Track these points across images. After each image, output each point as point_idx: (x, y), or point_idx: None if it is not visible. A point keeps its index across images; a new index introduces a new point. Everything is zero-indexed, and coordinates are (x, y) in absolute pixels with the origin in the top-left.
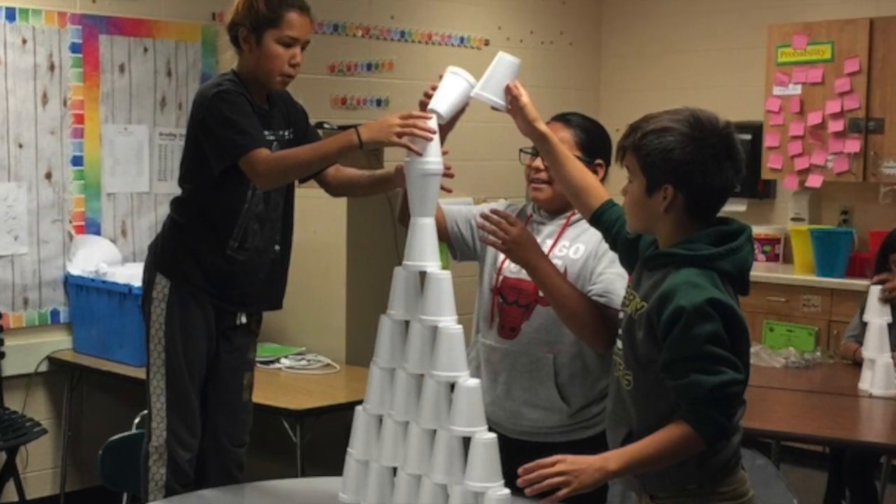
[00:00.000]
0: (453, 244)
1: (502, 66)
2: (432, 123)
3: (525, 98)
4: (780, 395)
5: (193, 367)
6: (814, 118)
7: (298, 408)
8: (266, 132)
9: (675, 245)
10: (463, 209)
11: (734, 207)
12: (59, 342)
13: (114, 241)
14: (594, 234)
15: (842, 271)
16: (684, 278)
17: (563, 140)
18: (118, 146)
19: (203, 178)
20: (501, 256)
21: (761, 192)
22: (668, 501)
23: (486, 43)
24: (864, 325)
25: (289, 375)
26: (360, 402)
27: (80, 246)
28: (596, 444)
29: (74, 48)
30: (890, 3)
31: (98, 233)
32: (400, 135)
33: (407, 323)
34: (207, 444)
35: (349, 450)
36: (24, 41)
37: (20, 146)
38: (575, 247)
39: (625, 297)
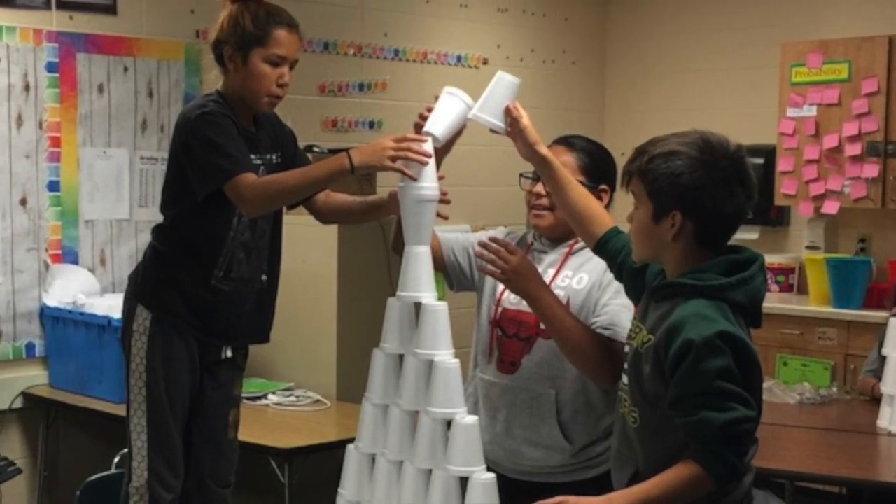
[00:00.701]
0: (450, 274)
1: (501, 86)
2: (428, 147)
3: (525, 120)
4: (794, 432)
5: (176, 404)
6: (830, 141)
7: (287, 446)
8: (252, 156)
9: (684, 275)
10: (460, 237)
11: (746, 235)
12: (34, 377)
13: (92, 270)
14: (598, 264)
15: (859, 302)
16: (693, 310)
17: (566, 164)
18: (97, 170)
19: (186, 204)
20: (501, 287)
21: (774, 219)
22: None
23: (485, 62)
24: (882, 359)
25: (276, 412)
26: (351, 441)
27: (57, 276)
28: (600, 485)
29: (51, 67)
30: None
31: (76, 262)
32: (394, 158)
33: (401, 357)
34: (191, 484)
35: (340, 491)
36: None
37: None
38: (578, 276)
39: (631, 330)
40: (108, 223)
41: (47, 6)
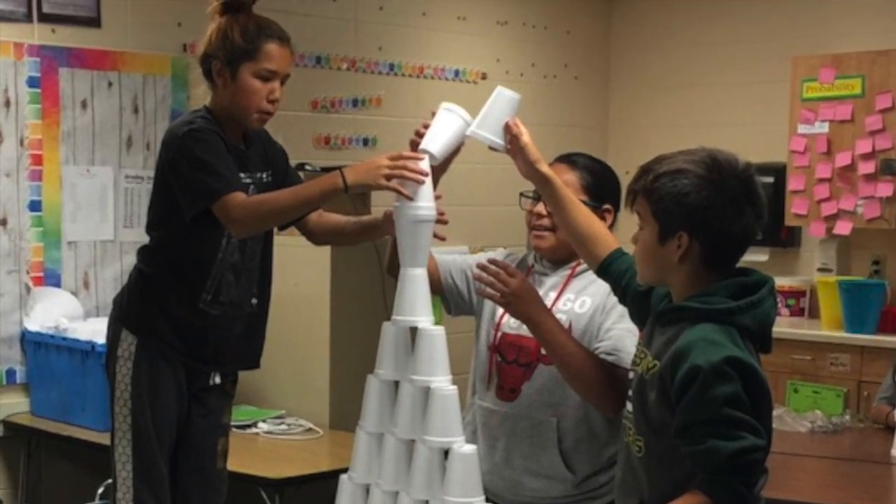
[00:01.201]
0: (447, 297)
1: (501, 101)
2: (424, 165)
3: (526, 137)
4: (805, 462)
5: (163, 432)
6: (842, 159)
7: (278, 476)
8: (242, 174)
9: (691, 298)
10: (458, 259)
11: (755, 257)
12: (15, 405)
13: (75, 293)
14: (601, 287)
15: (873, 327)
16: (700, 335)
17: (568, 183)
18: (80, 190)
19: (173, 224)
20: (500, 311)
21: (785, 240)
22: None
23: (484, 77)
24: None
25: (267, 441)
26: (344, 471)
27: (39, 299)
28: None
29: (32, 82)
30: None
31: (58, 285)
32: (389, 177)
33: (396, 383)
34: None
35: None
36: None
37: None
38: (581, 300)
39: (635, 356)
40: (92, 244)
41: (28, 19)
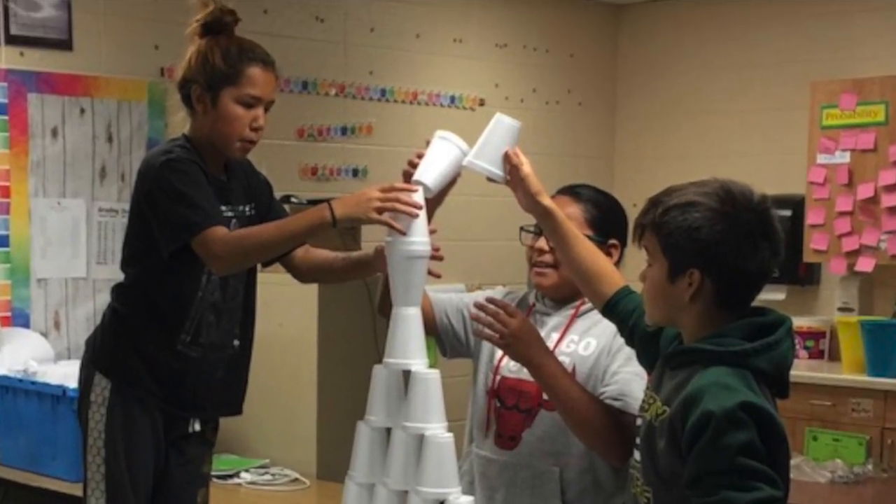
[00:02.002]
0: (442, 338)
1: (500, 129)
2: (418, 197)
3: (527, 167)
4: None
5: (138, 483)
6: (865, 191)
7: None
8: (223, 207)
9: (703, 340)
10: (454, 298)
11: (771, 295)
12: None
13: (45, 334)
14: (607, 327)
15: None
16: (713, 378)
17: (572, 217)
18: (50, 224)
19: (150, 261)
20: (499, 353)
21: (803, 277)
22: None
23: (482, 103)
24: None
25: (250, 492)
26: None
27: (6, 340)
28: None
29: None
30: None
31: (27, 325)
32: (380, 210)
33: (388, 430)
34: None
35: None
36: None
37: None
38: (585, 341)
39: (643, 401)
40: (63, 282)
41: None
